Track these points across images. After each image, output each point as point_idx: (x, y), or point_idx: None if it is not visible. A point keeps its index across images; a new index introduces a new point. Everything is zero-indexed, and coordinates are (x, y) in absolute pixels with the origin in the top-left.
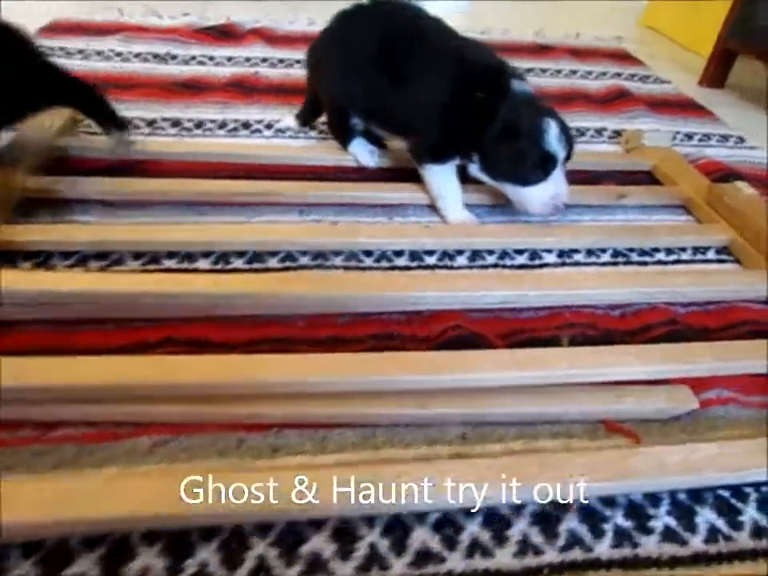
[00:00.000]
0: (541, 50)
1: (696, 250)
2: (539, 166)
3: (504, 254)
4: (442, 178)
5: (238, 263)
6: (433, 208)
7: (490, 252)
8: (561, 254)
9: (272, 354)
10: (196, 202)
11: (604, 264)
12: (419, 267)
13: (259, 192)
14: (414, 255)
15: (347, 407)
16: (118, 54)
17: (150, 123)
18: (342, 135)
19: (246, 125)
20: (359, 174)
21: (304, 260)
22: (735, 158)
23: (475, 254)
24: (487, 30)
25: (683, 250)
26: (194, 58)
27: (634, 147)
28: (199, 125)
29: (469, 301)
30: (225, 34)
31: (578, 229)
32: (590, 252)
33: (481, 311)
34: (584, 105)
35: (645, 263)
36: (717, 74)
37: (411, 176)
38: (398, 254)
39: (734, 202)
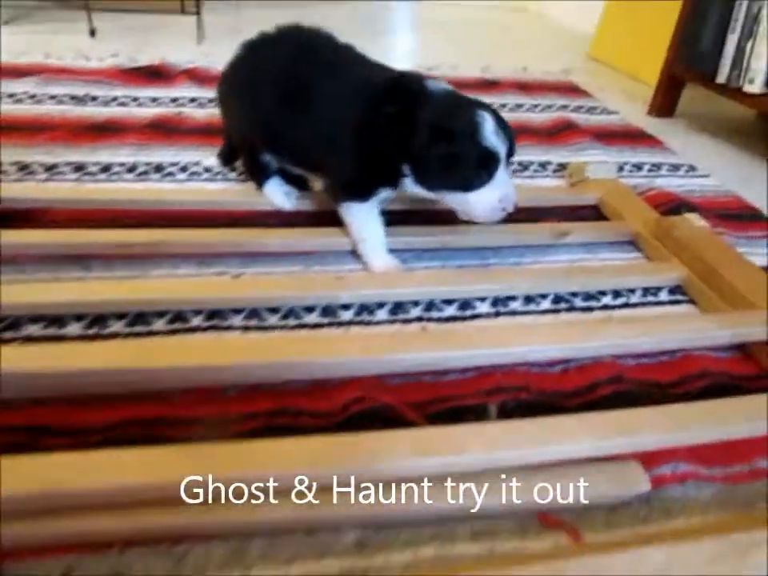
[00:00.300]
0: (487, 85)
1: (646, 290)
2: (481, 167)
3: (431, 305)
4: (363, 217)
5: (118, 326)
6: (356, 255)
7: (416, 303)
8: (495, 302)
9: (114, 450)
10: (81, 255)
11: (544, 312)
12: (332, 324)
13: (154, 242)
14: (327, 311)
15: (213, 513)
16: (32, 97)
17: (50, 168)
18: (256, 175)
19: (159, 168)
20: (277, 219)
21: (196, 320)
22: (687, 188)
23: (398, 307)
24: (436, 66)
25: (632, 291)
26: (115, 99)
27: (579, 180)
28: (106, 169)
29: (383, 365)
30: (154, 74)
31: (515, 273)
32: (528, 299)
33: (398, 375)
34: (529, 138)
35: (590, 309)
36: (665, 102)
37: (335, 220)
38: (309, 309)
39: (684, 237)
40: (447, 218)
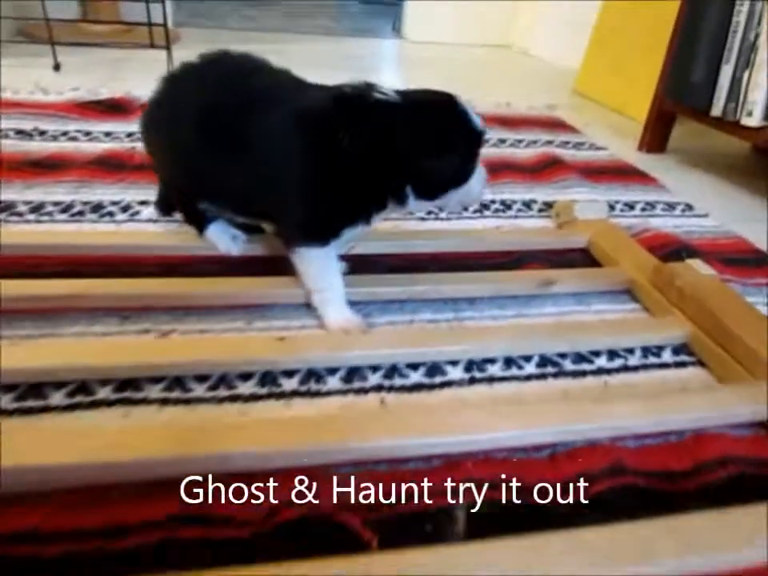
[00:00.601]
0: None
1: (647, 350)
2: (475, 151)
3: (393, 371)
4: (321, 264)
5: (4, 401)
6: (310, 308)
7: (375, 368)
8: (470, 365)
9: None
10: None
11: (527, 378)
12: (271, 396)
13: (72, 294)
14: (267, 378)
15: None
16: None
17: None
18: (195, 222)
19: (98, 207)
20: (223, 266)
21: (104, 392)
22: (685, 229)
23: (353, 373)
24: None
25: (631, 351)
26: (65, 133)
27: (567, 221)
28: (37, 209)
29: (324, 456)
30: (113, 108)
31: (493, 331)
32: (509, 362)
33: (343, 465)
34: (511, 175)
35: (582, 373)
36: (656, 137)
37: (290, 267)
38: (245, 377)
39: (688, 286)
40: (415, 265)
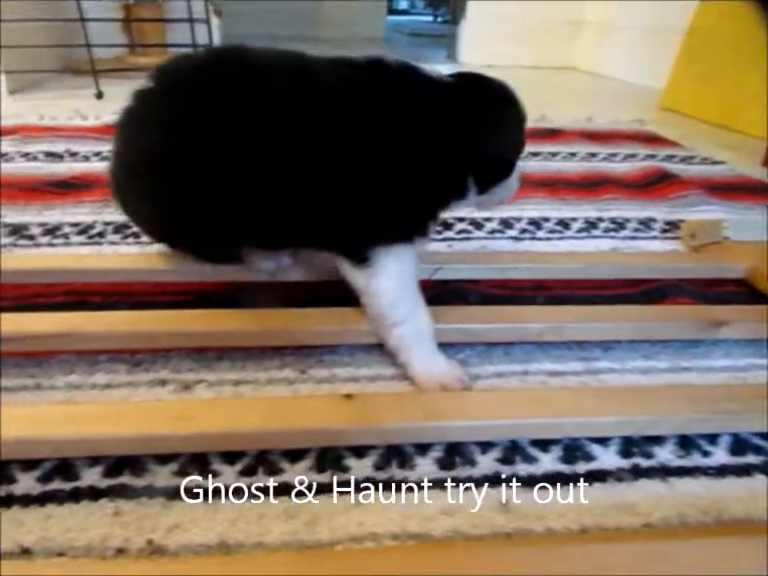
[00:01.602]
0: (549, 134)
1: None
2: (524, 138)
3: (513, 451)
4: (402, 278)
5: None
6: (372, 351)
7: (486, 446)
8: (627, 446)
9: None
10: None
11: (720, 472)
12: (331, 488)
13: (62, 332)
14: (327, 458)
15: None
16: (2, 155)
17: None
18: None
19: (123, 227)
20: (267, 294)
21: (90, 477)
22: None
23: (453, 452)
24: None
25: None
26: (98, 154)
27: (708, 243)
28: (52, 231)
29: None
30: None
31: (651, 393)
32: (685, 443)
33: None
34: (614, 191)
35: None
36: None
37: (337, 299)
38: (295, 455)
39: None
40: (516, 295)
